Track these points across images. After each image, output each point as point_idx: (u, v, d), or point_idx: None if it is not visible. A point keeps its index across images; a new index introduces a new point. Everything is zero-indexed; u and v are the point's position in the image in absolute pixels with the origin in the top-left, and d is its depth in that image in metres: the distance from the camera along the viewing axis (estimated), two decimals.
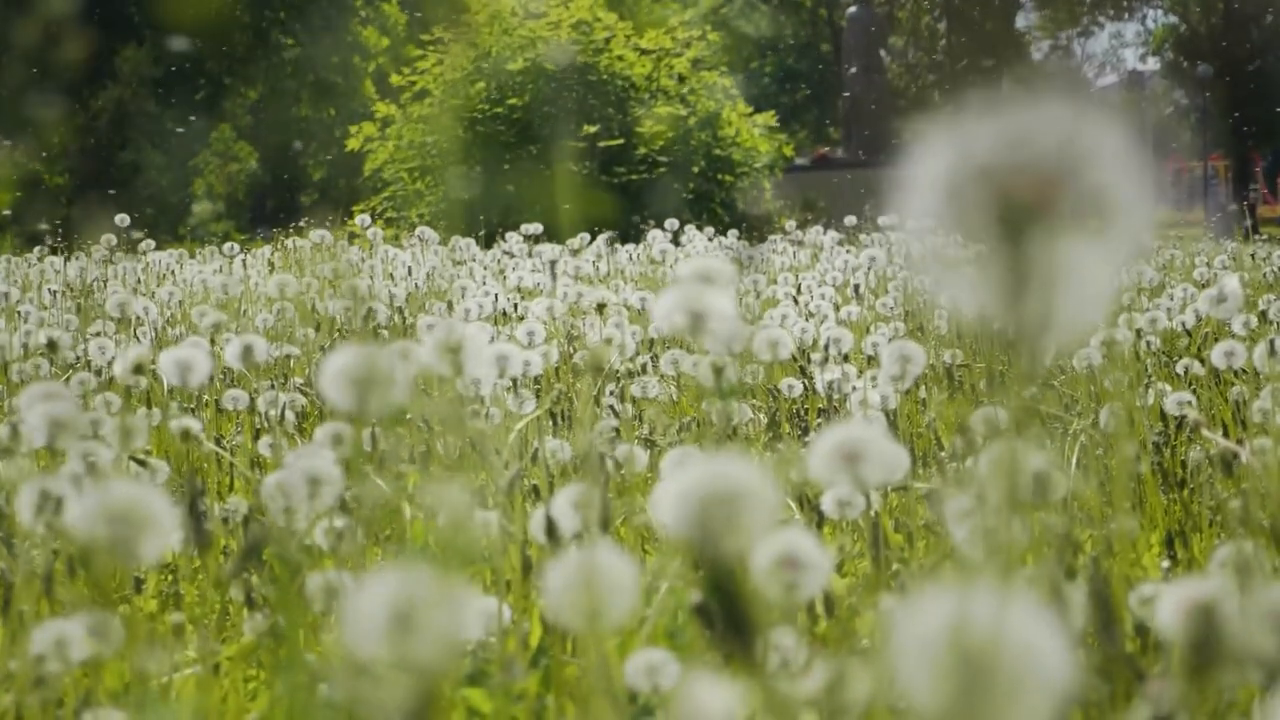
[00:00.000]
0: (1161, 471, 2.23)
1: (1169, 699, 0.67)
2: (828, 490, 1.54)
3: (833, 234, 7.93)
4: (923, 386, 3.31)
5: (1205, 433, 2.01)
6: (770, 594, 0.78)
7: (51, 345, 2.43)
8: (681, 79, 17.24)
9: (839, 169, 23.47)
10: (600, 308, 2.14)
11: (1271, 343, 2.06)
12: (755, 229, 12.00)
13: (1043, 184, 0.55)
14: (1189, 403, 2.09)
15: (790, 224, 8.64)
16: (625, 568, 0.68)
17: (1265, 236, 10.25)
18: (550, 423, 2.52)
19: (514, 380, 2.24)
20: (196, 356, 1.57)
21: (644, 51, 17.20)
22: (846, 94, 26.39)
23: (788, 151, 20.64)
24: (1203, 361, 2.78)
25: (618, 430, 2.26)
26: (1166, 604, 0.72)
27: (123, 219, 6.70)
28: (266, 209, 27.22)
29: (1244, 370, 2.49)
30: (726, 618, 0.60)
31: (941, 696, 0.51)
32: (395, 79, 17.60)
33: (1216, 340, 2.89)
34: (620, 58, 16.96)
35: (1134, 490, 2.18)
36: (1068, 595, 0.77)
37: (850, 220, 8.86)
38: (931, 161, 0.57)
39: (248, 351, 1.71)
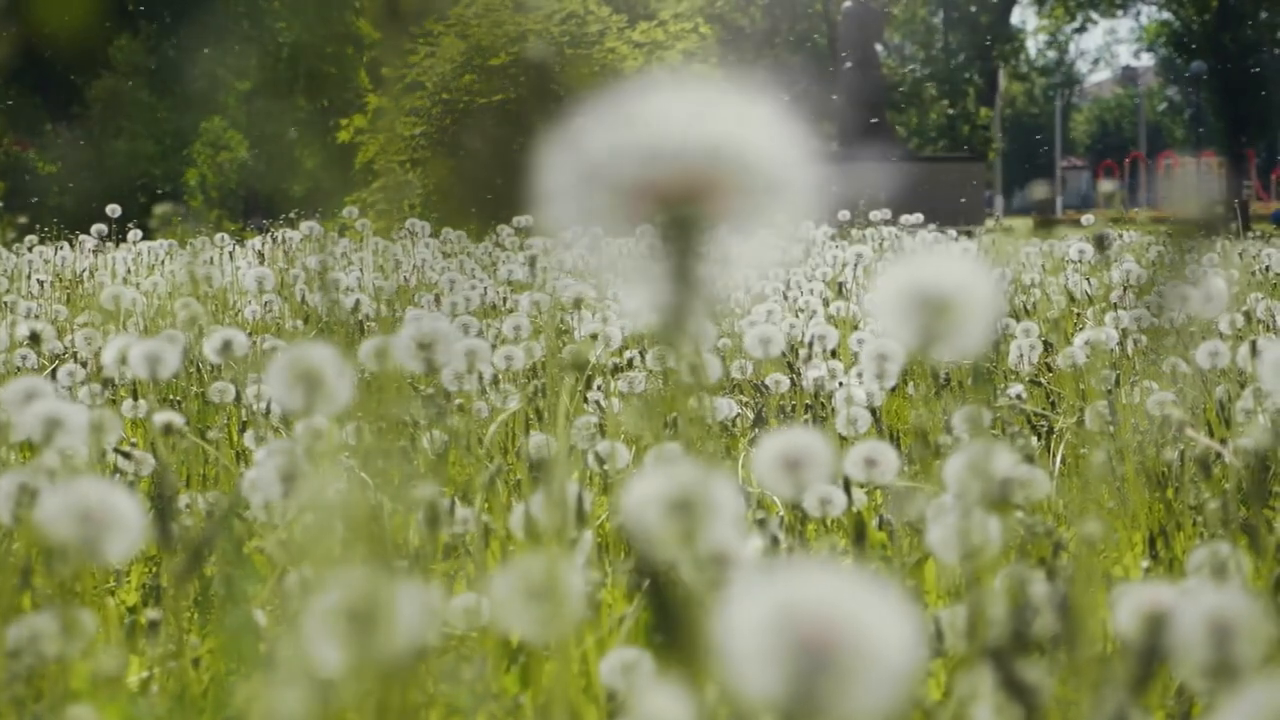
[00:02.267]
0: (1145, 470, 2.23)
1: (1122, 705, 0.67)
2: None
3: (825, 228, 7.91)
4: (910, 382, 3.31)
5: (1189, 432, 2.02)
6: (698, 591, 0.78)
7: (34, 337, 2.43)
8: (672, 71, 17.23)
9: (833, 163, 23.45)
10: (578, 302, 2.14)
11: (1253, 343, 2.06)
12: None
13: (695, 175, 0.54)
14: (1172, 401, 2.09)
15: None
16: (571, 574, 0.68)
17: (1258, 233, 10.24)
18: (536, 418, 2.51)
19: (495, 376, 2.24)
20: (165, 349, 1.56)
21: (636, 45, 17.19)
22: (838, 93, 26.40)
23: None
24: (1188, 361, 2.78)
25: (601, 426, 2.26)
26: (1126, 609, 0.73)
27: (114, 209, 6.68)
28: (259, 199, 27.17)
29: (1228, 369, 2.49)
30: (666, 625, 0.60)
31: (777, 683, 0.50)
32: (387, 70, 17.58)
33: (1204, 338, 2.89)
34: (612, 50, 16.95)
35: (1117, 489, 2.18)
36: (1033, 597, 0.77)
37: (843, 215, 8.84)
38: (578, 160, 0.56)
39: (227, 346, 1.71)
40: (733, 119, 0.55)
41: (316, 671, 0.60)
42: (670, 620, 0.60)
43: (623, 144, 0.56)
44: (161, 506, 1.16)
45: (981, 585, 1.04)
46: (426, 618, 0.67)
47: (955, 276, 0.77)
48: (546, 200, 0.59)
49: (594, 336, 2.62)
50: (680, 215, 0.55)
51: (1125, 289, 3.78)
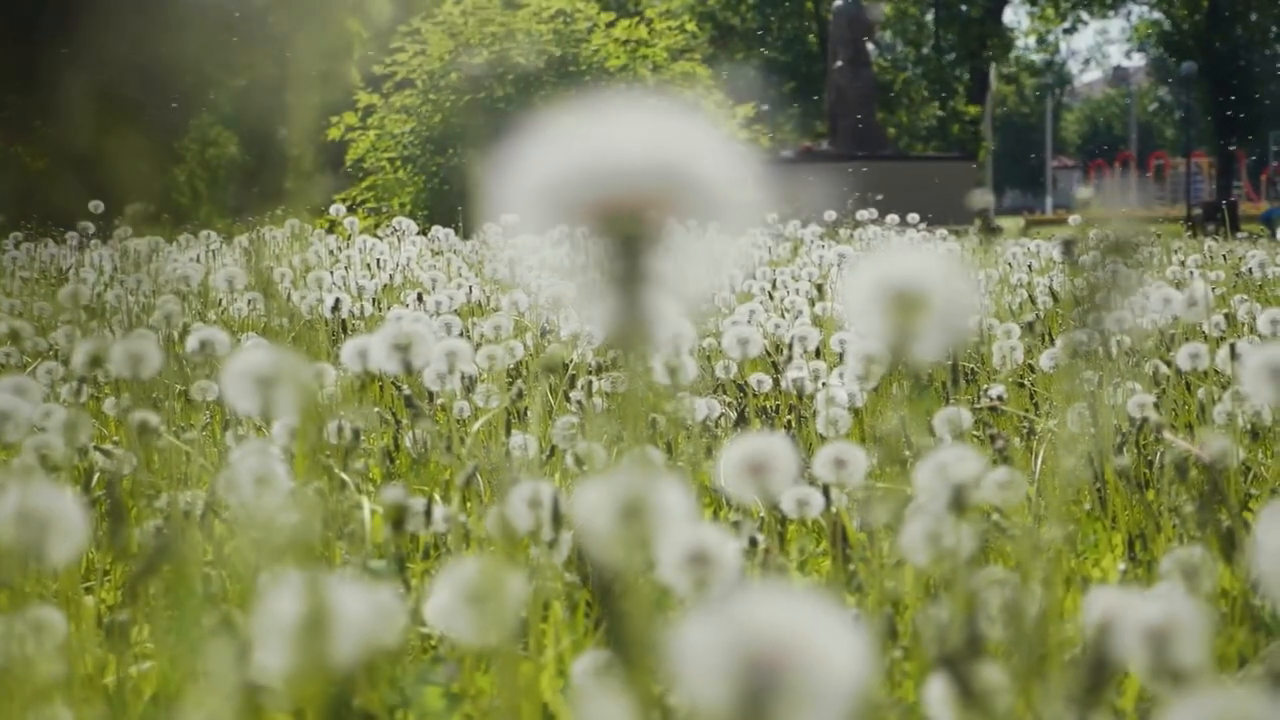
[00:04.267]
0: (1124, 472, 2.23)
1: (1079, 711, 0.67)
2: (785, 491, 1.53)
3: (814, 228, 7.91)
4: (894, 384, 3.30)
5: (1167, 435, 2.02)
6: (680, 591, 0.78)
7: (14, 335, 2.42)
8: (656, 68, 17.26)
9: (823, 162, 23.45)
10: (556, 302, 2.13)
11: (1232, 346, 2.06)
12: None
13: (642, 189, 0.54)
14: (1153, 404, 2.09)
15: (771, 216, 8.61)
16: (507, 581, 0.68)
17: (1246, 234, 10.25)
18: (517, 418, 2.51)
19: (472, 377, 2.24)
20: (147, 349, 1.56)
21: (621, 42, 17.21)
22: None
23: (764, 143, 20.61)
24: (1169, 364, 2.79)
25: (582, 426, 2.26)
26: (1092, 613, 0.72)
27: (96, 205, 6.65)
28: (250, 195, 27.10)
29: (1210, 372, 2.49)
30: (616, 632, 0.60)
31: (726, 702, 0.50)
32: (377, 67, 17.58)
33: (1188, 339, 2.89)
34: (597, 49, 16.97)
35: (1097, 491, 2.18)
36: (989, 602, 0.77)
37: (831, 215, 8.83)
38: (530, 170, 0.57)
39: (206, 345, 1.70)
40: (678, 139, 0.56)
41: (260, 677, 0.60)
42: (621, 627, 0.60)
43: (570, 164, 0.57)
44: (114, 509, 1.15)
45: (953, 588, 1.04)
46: (382, 620, 0.66)
47: (926, 272, 0.77)
48: (506, 208, 0.60)
49: (575, 337, 2.62)
50: (627, 231, 0.56)
51: (1111, 291, 3.78)
